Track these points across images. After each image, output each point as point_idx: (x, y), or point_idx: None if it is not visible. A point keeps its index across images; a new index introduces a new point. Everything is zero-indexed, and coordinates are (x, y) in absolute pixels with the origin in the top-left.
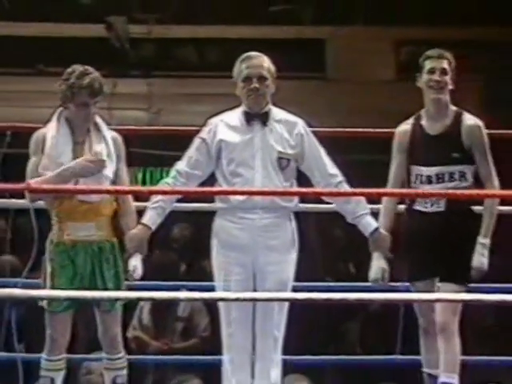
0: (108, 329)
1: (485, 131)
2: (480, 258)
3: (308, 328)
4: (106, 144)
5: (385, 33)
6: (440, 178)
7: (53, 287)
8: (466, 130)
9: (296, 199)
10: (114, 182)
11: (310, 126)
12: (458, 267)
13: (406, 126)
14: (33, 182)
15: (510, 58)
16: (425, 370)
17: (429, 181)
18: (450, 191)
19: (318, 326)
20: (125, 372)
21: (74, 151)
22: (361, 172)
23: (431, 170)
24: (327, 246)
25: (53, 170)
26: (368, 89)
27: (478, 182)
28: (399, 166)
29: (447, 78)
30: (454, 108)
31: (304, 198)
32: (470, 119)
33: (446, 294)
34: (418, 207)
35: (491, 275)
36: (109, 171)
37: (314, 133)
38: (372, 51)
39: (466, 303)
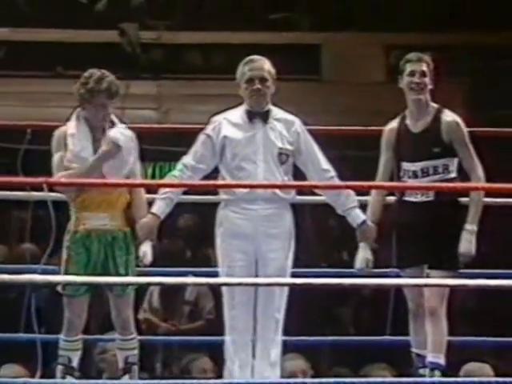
0: (120, 312)
1: (463, 126)
2: (467, 244)
3: (305, 311)
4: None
5: (375, 39)
6: (425, 172)
7: (67, 273)
8: (444, 126)
9: (293, 192)
10: (127, 177)
11: (306, 124)
12: (446, 255)
13: (392, 125)
14: (59, 175)
15: (491, 61)
16: (414, 350)
17: (415, 175)
18: (430, 184)
19: (314, 309)
20: (136, 352)
21: (94, 147)
22: (353, 167)
23: (416, 165)
24: (322, 235)
25: (77, 164)
26: (360, 90)
27: (463, 173)
28: (387, 161)
29: (426, 80)
30: (434, 106)
31: (301, 191)
32: (448, 116)
33: (434, 280)
34: (408, 198)
35: (476, 262)
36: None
37: (310, 130)
38: (364, 55)
39: (451, 288)
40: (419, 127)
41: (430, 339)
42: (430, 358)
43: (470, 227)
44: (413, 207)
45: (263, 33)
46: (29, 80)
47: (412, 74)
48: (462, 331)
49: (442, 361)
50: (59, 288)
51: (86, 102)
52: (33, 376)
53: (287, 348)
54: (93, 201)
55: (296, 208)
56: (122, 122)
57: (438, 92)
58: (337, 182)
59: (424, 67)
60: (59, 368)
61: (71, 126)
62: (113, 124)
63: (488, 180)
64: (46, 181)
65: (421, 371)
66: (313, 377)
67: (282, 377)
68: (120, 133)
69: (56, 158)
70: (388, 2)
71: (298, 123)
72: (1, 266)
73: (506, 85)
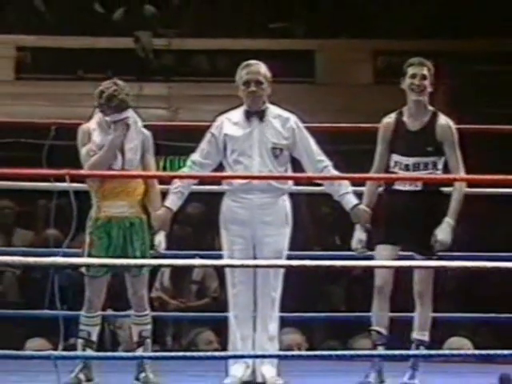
0: (136, 290)
1: (455, 130)
2: (445, 234)
3: (301, 290)
4: (137, 137)
5: (364, 45)
6: (416, 167)
7: (90, 256)
8: (439, 129)
9: (289, 182)
10: (143, 169)
11: (302, 122)
12: (429, 241)
13: (389, 120)
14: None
15: (471, 65)
16: (374, 327)
17: (407, 168)
18: (416, 175)
19: (309, 288)
20: (149, 327)
21: None
22: (345, 159)
23: (409, 160)
24: (316, 221)
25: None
26: (350, 91)
27: (447, 171)
28: (382, 153)
29: (426, 83)
30: (431, 108)
31: (297, 182)
32: (443, 119)
33: (418, 262)
34: (397, 187)
35: (456, 245)
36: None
37: (306, 128)
38: (354, 60)
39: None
40: (416, 126)
41: (417, 319)
42: (415, 336)
43: (450, 220)
44: (401, 195)
45: (263, 40)
46: (52, 82)
47: (413, 76)
48: (443, 309)
49: (426, 338)
50: (83, 269)
51: (105, 109)
52: (55, 349)
53: (284, 323)
54: (113, 191)
55: (293, 197)
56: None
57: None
58: (331, 170)
59: (425, 71)
60: (79, 341)
61: (93, 123)
62: (128, 125)
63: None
64: (68, 173)
65: (379, 348)
66: (307, 349)
67: (280, 349)
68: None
69: (83, 151)
70: (376, 12)
71: (293, 119)
72: (27, 249)
73: (484, 87)
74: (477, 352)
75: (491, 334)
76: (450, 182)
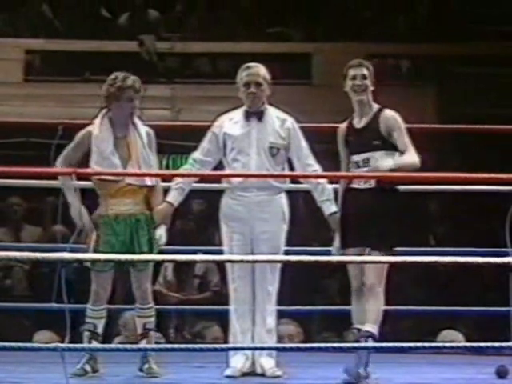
0: (141, 284)
1: (400, 119)
2: (386, 163)
3: (298, 284)
4: (141, 139)
5: (359, 48)
6: (366, 163)
7: (97, 251)
8: (382, 121)
9: (287, 180)
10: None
11: (299, 122)
12: (383, 237)
13: (342, 125)
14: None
15: (457, 67)
16: (356, 326)
17: (357, 165)
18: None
19: (305, 282)
20: (153, 319)
21: (115, 145)
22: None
23: (360, 157)
24: (313, 218)
25: (101, 165)
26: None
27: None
28: (343, 157)
29: (367, 82)
30: (376, 106)
31: (294, 180)
32: (387, 113)
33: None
34: (353, 185)
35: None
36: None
37: (303, 128)
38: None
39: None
40: (362, 123)
41: (368, 312)
42: (366, 328)
43: (393, 161)
44: (357, 193)
45: (262, 43)
46: (60, 84)
47: (354, 77)
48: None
49: (375, 331)
50: (88, 264)
51: (115, 99)
52: (62, 341)
53: (282, 315)
54: (119, 190)
55: (292, 194)
56: (139, 120)
57: (412, 94)
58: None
59: (364, 71)
60: (86, 334)
61: (96, 126)
62: (134, 123)
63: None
64: (74, 171)
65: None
66: (304, 341)
67: (278, 341)
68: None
69: (66, 150)
70: (370, 17)
71: (290, 121)
72: (36, 244)
73: (468, 88)
74: (468, 344)
75: (477, 326)
76: (425, 181)
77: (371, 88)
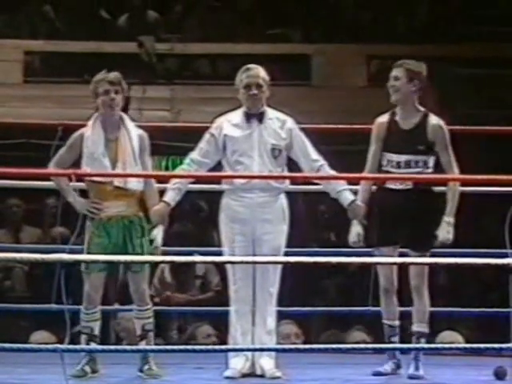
0: (138, 286)
1: (446, 129)
2: (446, 234)
3: (298, 285)
4: (131, 142)
5: (358, 49)
6: (407, 165)
7: (89, 253)
8: (430, 128)
9: (286, 181)
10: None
11: (298, 123)
12: (421, 238)
13: (382, 120)
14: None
15: (460, 69)
16: (385, 321)
17: (398, 166)
18: (407, 173)
19: (305, 283)
20: (151, 320)
21: (106, 147)
22: (340, 159)
23: (401, 158)
24: (313, 219)
25: (92, 166)
26: (345, 94)
27: (438, 170)
28: (375, 152)
29: (397, 83)
30: (422, 109)
31: (294, 181)
32: (434, 119)
33: (412, 259)
34: (389, 185)
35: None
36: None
37: (303, 129)
38: (348, 64)
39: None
40: (409, 125)
41: (415, 311)
42: (415, 328)
43: (448, 219)
44: (393, 194)
45: (262, 44)
46: (60, 85)
47: (388, 78)
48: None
49: (425, 329)
50: (82, 266)
51: (95, 96)
52: (60, 341)
53: (282, 316)
54: (112, 192)
55: (291, 196)
56: (139, 121)
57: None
58: (327, 169)
59: (398, 72)
60: (83, 337)
61: (88, 128)
62: (126, 127)
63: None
64: (74, 172)
65: (392, 339)
66: (304, 342)
67: (278, 342)
68: None
69: (59, 152)
70: (369, 18)
71: (290, 121)
72: (35, 246)
73: (470, 89)
74: (468, 346)
75: (478, 327)
76: (442, 182)
77: (405, 89)
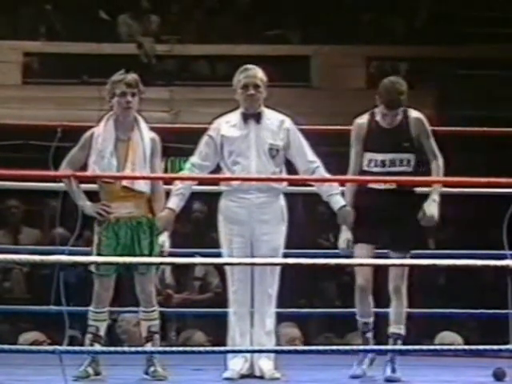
0: (144, 288)
1: (426, 122)
2: (432, 209)
3: (297, 286)
4: (143, 144)
5: (357, 51)
6: (392, 163)
7: (99, 255)
8: (412, 123)
9: (284, 182)
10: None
11: (297, 124)
12: (403, 239)
13: (361, 121)
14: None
15: (456, 70)
16: (359, 318)
17: (383, 164)
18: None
19: (304, 284)
20: (157, 322)
21: (115, 146)
22: (338, 160)
23: (386, 156)
24: (312, 220)
25: (99, 165)
26: (344, 95)
27: (419, 167)
28: (358, 154)
29: None
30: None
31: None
32: (414, 114)
33: (412, 260)
34: (372, 186)
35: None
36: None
37: (301, 129)
38: (347, 65)
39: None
40: (390, 123)
41: (393, 313)
42: (393, 330)
43: (435, 197)
44: (376, 194)
45: (261, 46)
46: (58, 87)
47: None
48: (431, 304)
49: (403, 331)
50: (92, 268)
51: (112, 95)
52: (53, 342)
53: (282, 318)
54: (120, 193)
55: (290, 197)
56: (147, 122)
57: (412, 96)
58: (322, 171)
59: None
60: (88, 336)
61: (100, 127)
62: (139, 128)
63: (452, 172)
64: (73, 174)
65: (367, 335)
66: (303, 343)
67: (277, 343)
68: None
69: (71, 152)
70: (368, 20)
71: (287, 121)
72: (34, 247)
73: (467, 90)
74: (467, 347)
75: (477, 328)
76: (428, 184)
77: None
